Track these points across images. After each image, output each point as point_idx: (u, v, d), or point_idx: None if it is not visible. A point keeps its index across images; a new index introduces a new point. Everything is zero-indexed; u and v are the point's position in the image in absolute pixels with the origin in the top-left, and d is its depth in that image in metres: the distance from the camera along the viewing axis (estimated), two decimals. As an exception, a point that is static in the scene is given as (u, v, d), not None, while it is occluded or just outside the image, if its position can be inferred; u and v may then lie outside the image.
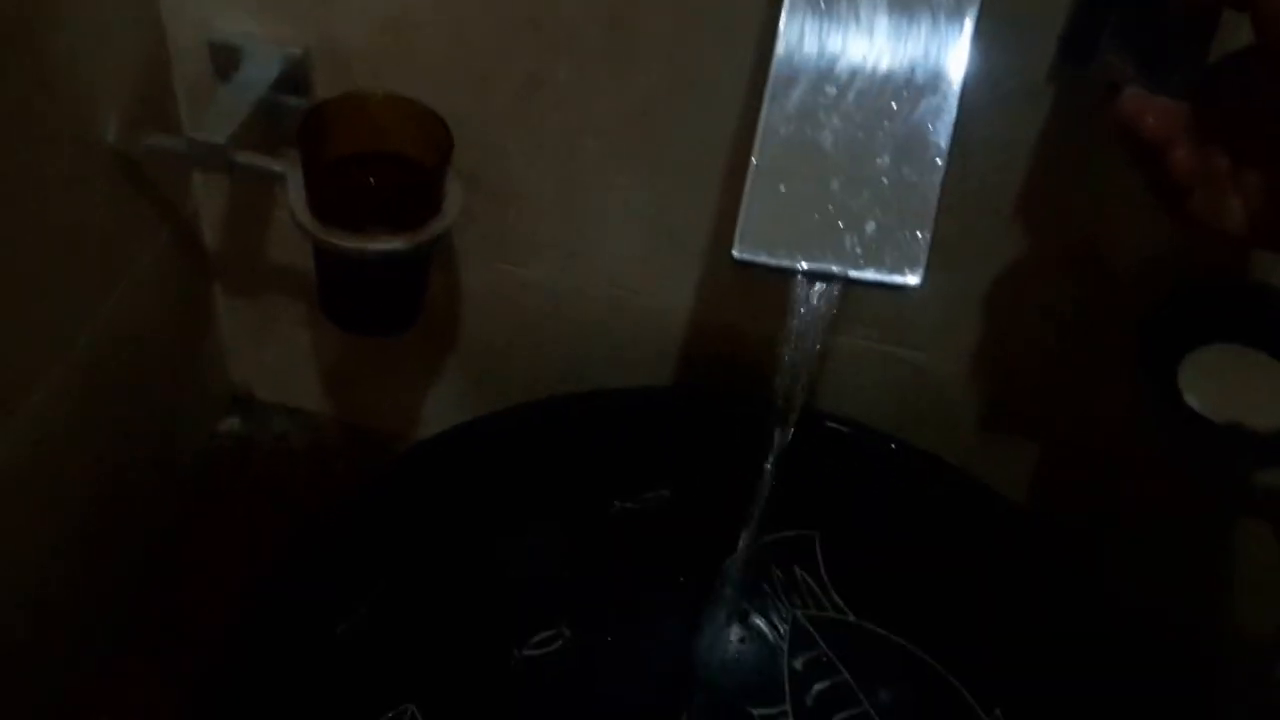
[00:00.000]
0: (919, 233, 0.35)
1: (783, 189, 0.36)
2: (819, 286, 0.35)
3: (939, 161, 0.35)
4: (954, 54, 0.35)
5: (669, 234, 0.54)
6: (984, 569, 0.53)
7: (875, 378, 0.57)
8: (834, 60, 0.36)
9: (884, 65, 0.35)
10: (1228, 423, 0.43)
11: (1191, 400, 0.43)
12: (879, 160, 0.35)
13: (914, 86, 0.35)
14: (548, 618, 0.55)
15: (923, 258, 0.34)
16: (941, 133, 0.35)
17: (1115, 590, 0.52)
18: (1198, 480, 0.54)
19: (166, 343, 0.60)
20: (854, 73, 0.35)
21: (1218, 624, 0.59)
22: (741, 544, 0.54)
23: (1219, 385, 0.44)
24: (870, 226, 0.35)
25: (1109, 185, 0.46)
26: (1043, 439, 0.56)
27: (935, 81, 0.35)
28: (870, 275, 0.35)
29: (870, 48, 0.35)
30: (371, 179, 0.48)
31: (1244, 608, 0.59)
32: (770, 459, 0.44)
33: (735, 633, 0.56)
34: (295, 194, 0.48)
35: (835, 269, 0.35)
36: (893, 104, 0.35)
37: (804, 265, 0.35)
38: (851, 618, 0.55)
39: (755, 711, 0.54)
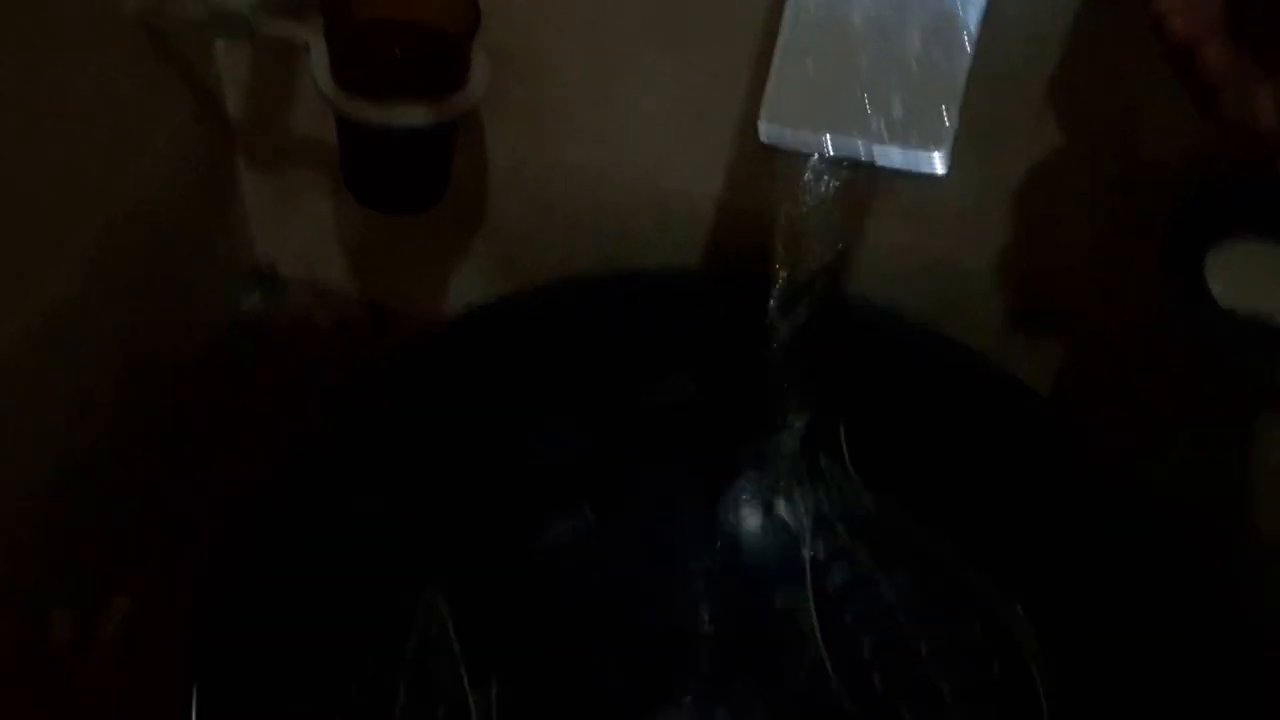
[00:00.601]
0: (946, 117, 0.35)
1: (810, 68, 0.36)
2: (827, 175, 0.36)
3: (968, 45, 0.35)
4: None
5: (699, 116, 0.54)
6: (1009, 460, 0.55)
7: (904, 268, 0.57)
8: (867, -66, 0.36)
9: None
10: (1250, 315, 0.43)
11: (1216, 292, 0.44)
12: (908, 42, 0.36)
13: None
14: (572, 503, 0.57)
15: (949, 142, 0.35)
16: (972, 16, 0.35)
17: (1139, 485, 0.53)
18: (1221, 373, 0.55)
19: (189, 214, 0.62)
20: (888, -52, 0.36)
21: (1241, 521, 0.61)
22: (760, 431, 0.56)
23: (1244, 278, 0.45)
24: (897, 109, 0.36)
25: (1140, 78, 0.46)
26: (1070, 332, 0.57)
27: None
28: (895, 159, 0.36)
29: (906, -78, 0.36)
30: (397, 48, 0.49)
31: (1267, 505, 0.60)
32: (775, 344, 0.45)
33: (758, 520, 0.58)
34: (319, 62, 0.49)
35: (860, 152, 0.36)
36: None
37: (829, 147, 0.36)
38: (874, 507, 0.57)
39: (776, 598, 0.57)
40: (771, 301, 0.50)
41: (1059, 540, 0.53)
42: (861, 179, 0.40)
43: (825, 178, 0.36)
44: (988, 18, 0.34)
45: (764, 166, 0.51)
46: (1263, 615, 0.58)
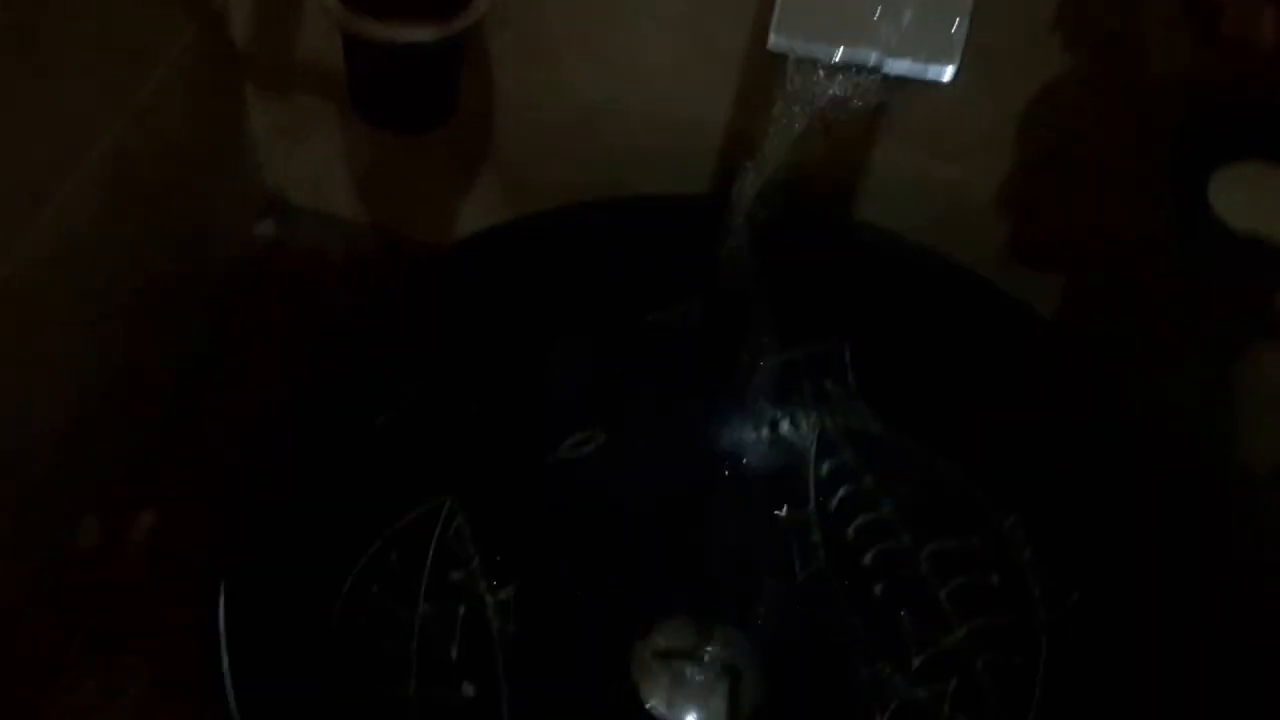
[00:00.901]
0: (956, 25, 0.36)
1: (818, -23, 0.37)
2: (834, 82, 0.36)
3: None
4: None
5: (705, 40, 0.55)
6: (1010, 381, 0.56)
7: (912, 193, 0.58)
8: None
9: None
10: (1252, 235, 0.44)
11: (1219, 213, 0.45)
12: (919, -50, 0.36)
13: None
14: (582, 421, 0.58)
15: (958, 51, 0.36)
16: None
17: (1138, 410, 0.54)
18: (1222, 296, 0.55)
19: (197, 141, 0.63)
20: None
21: (1238, 445, 0.62)
22: (767, 354, 0.58)
23: (1247, 200, 0.45)
24: (906, 17, 0.36)
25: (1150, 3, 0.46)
26: (1076, 257, 0.58)
27: None
28: (904, 67, 0.36)
29: None
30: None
31: (1264, 433, 0.61)
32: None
33: (764, 440, 0.59)
34: (326, -17, 0.49)
35: (870, 60, 0.36)
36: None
37: (839, 56, 0.36)
38: (877, 427, 0.58)
39: (780, 512, 0.58)
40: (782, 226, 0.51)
41: (1056, 457, 0.55)
42: (871, 99, 0.41)
43: (834, 88, 0.37)
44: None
45: (774, 82, 0.51)
46: (1254, 536, 0.60)
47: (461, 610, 0.53)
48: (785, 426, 0.59)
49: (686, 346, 0.59)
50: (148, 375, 0.61)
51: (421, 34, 0.49)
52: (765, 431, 0.59)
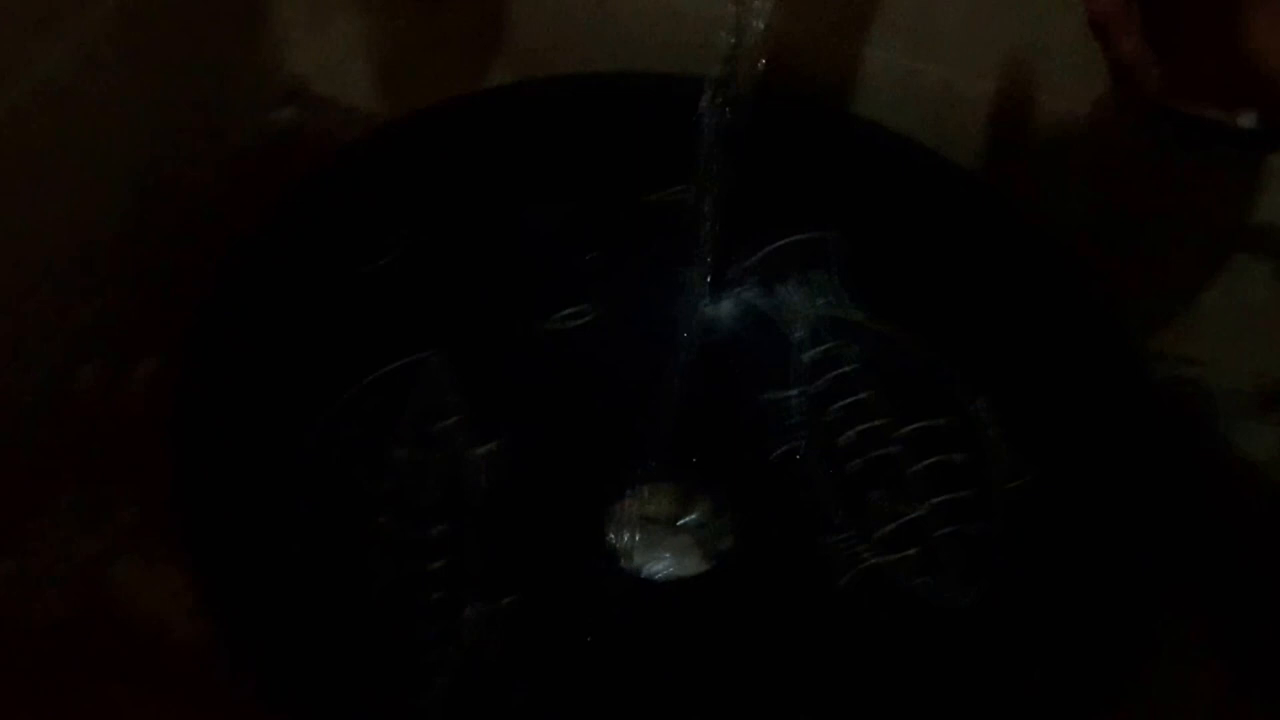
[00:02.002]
0: None
1: None
2: None
3: None
4: None
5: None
6: (988, 275, 0.59)
7: (901, 94, 0.60)
8: None
9: None
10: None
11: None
12: None
13: None
14: (573, 296, 0.61)
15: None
16: None
17: (1111, 310, 0.57)
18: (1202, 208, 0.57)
19: (220, 15, 0.65)
20: None
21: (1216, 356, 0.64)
22: (759, 241, 0.60)
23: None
24: None
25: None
26: (1062, 160, 0.60)
27: None
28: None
29: None
30: None
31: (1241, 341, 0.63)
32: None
33: (752, 325, 0.62)
34: None
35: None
36: None
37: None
38: (861, 315, 0.60)
39: (763, 395, 0.60)
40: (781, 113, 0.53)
41: (1028, 346, 0.58)
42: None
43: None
44: None
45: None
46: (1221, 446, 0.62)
47: (438, 458, 0.55)
48: (772, 313, 0.62)
49: (680, 229, 0.61)
50: (151, 230, 0.64)
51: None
52: (753, 317, 0.62)
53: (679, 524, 0.57)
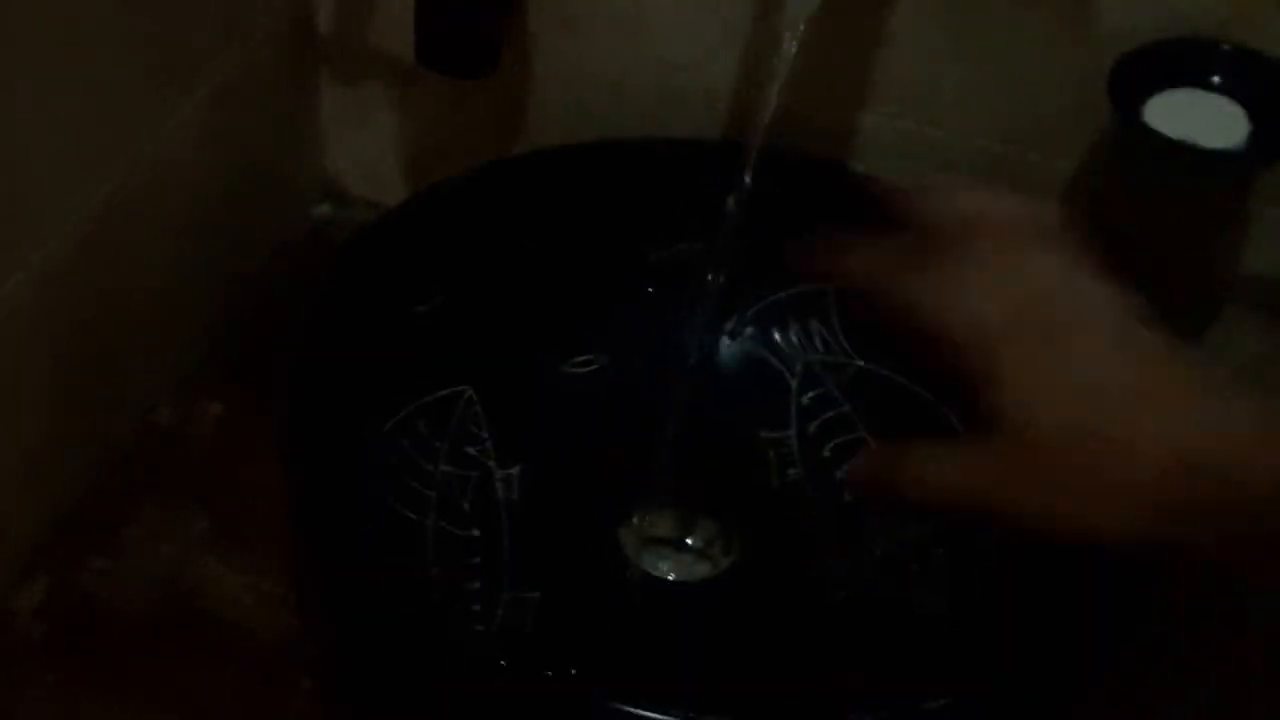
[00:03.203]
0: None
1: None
2: None
3: None
4: None
5: (722, 18, 0.67)
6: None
7: (899, 155, 0.68)
8: None
9: None
10: (1181, 140, 0.54)
11: (1152, 125, 0.55)
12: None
13: None
14: (587, 344, 0.68)
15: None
16: None
17: None
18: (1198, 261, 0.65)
19: (273, 115, 0.75)
20: None
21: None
22: (760, 293, 0.67)
23: (1178, 117, 0.55)
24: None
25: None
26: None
27: None
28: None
29: None
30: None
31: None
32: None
33: (752, 371, 0.68)
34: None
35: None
36: None
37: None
38: (859, 362, 0.67)
39: (762, 433, 0.67)
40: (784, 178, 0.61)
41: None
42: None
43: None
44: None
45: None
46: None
47: (474, 476, 0.61)
48: (772, 359, 0.69)
49: (686, 282, 0.68)
50: (213, 308, 0.73)
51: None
52: (753, 363, 0.68)
53: (683, 544, 0.63)
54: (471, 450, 0.62)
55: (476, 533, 0.59)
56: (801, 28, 0.54)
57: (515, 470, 0.62)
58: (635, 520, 0.63)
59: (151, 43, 0.60)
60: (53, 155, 0.56)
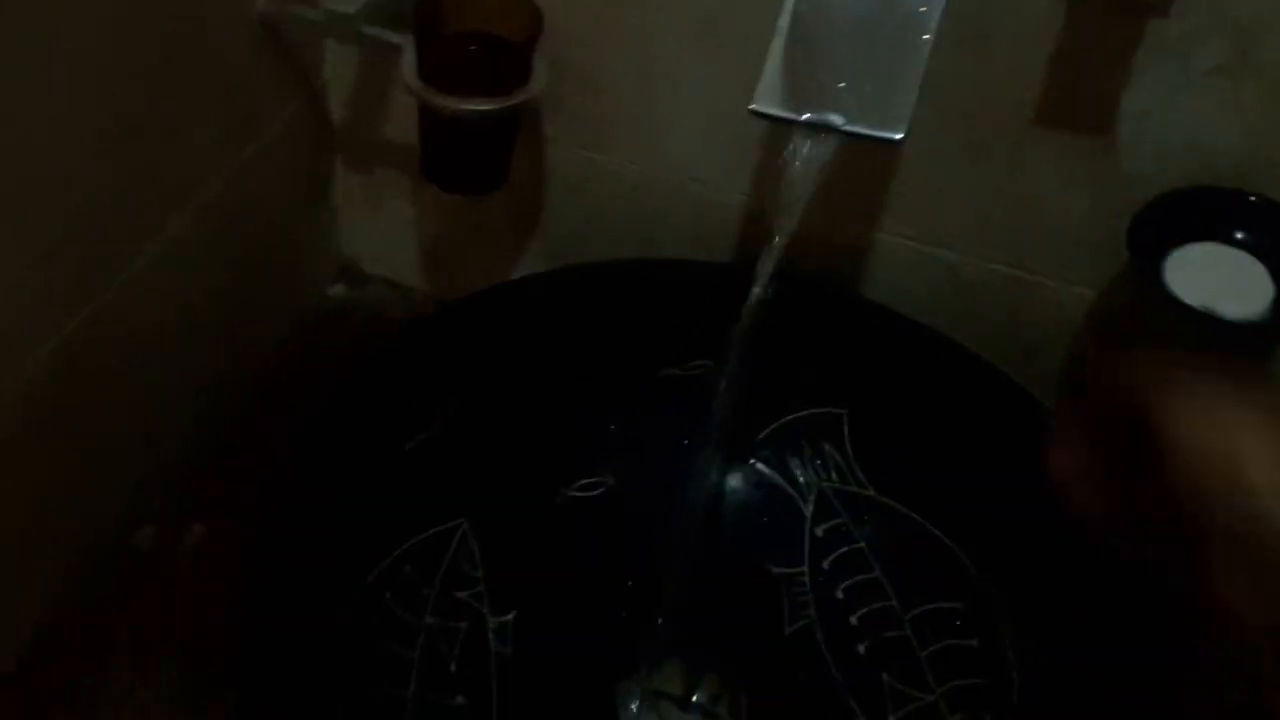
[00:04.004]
0: (906, 96, 0.44)
1: (799, 55, 0.46)
2: (809, 144, 0.44)
3: (927, 38, 0.44)
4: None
5: (730, 128, 0.64)
6: (998, 456, 0.61)
7: (911, 275, 0.66)
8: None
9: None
10: (1203, 309, 0.50)
11: (1173, 289, 0.51)
12: (880, 35, 0.45)
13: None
14: (593, 465, 0.65)
15: (907, 117, 0.44)
16: (933, 14, 0.44)
17: None
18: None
19: (288, 202, 0.74)
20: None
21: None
22: (773, 414, 0.64)
23: (1199, 276, 0.52)
24: (867, 89, 0.45)
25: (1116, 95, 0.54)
26: (1063, 339, 0.64)
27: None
28: (861, 129, 0.44)
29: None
30: (472, 50, 0.60)
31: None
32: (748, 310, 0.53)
33: (765, 496, 0.66)
34: (409, 63, 0.60)
35: (833, 121, 0.45)
36: (897, -12, 0.45)
37: (806, 117, 0.45)
38: (872, 492, 0.64)
39: (774, 569, 0.64)
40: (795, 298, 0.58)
41: (1039, 529, 0.60)
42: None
43: (809, 149, 0.45)
44: (948, 17, 0.44)
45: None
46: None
47: (464, 627, 0.59)
48: (785, 485, 0.66)
49: (697, 401, 0.66)
50: (217, 400, 0.71)
51: (486, 106, 0.59)
52: (766, 488, 0.66)
53: (689, 704, 0.60)
54: (462, 595, 0.60)
55: (462, 700, 0.56)
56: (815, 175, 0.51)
57: (509, 617, 0.60)
58: (638, 674, 0.60)
59: (147, 159, 0.59)
60: (33, 283, 0.54)
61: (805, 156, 0.46)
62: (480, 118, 0.59)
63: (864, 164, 0.62)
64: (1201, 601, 0.36)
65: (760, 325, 0.59)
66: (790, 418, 0.66)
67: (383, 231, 0.80)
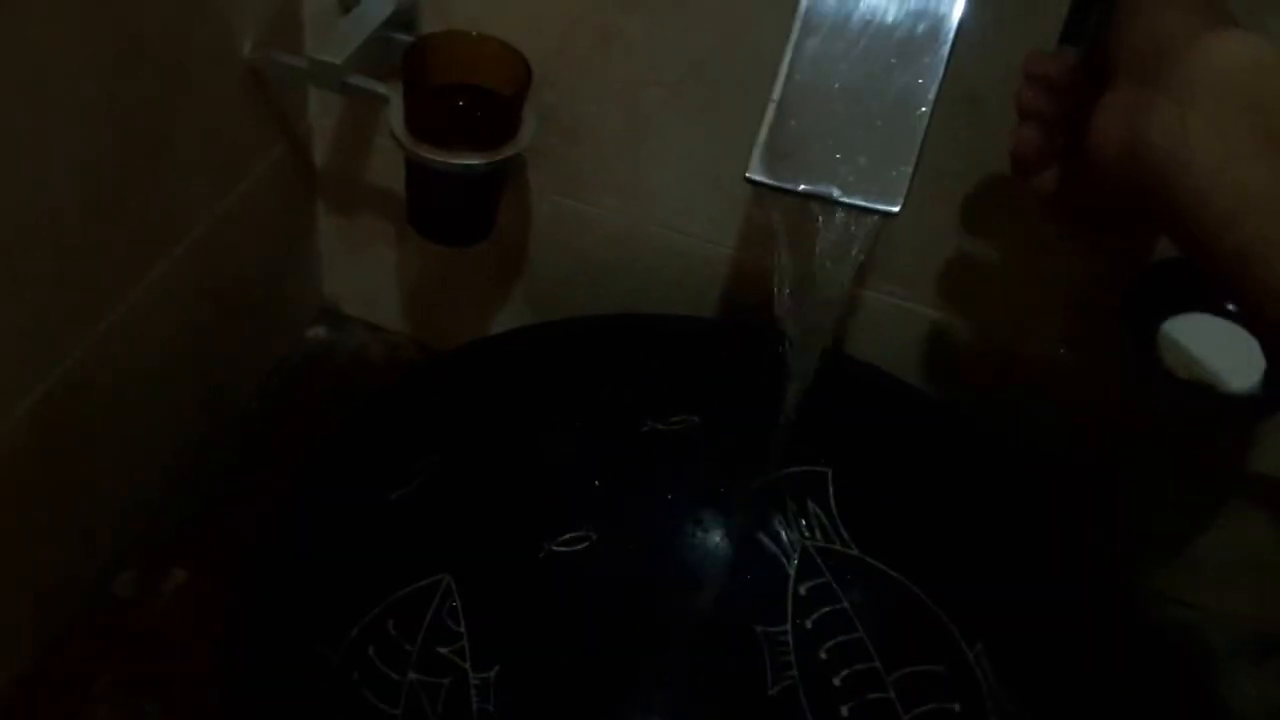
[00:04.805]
0: (903, 168, 0.43)
1: (794, 124, 0.45)
2: (838, 222, 0.44)
3: (924, 110, 0.43)
4: (948, 22, 0.44)
5: (717, 181, 0.63)
6: (983, 515, 0.61)
7: (898, 332, 0.65)
8: (849, 15, 0.45)
9: (890, 20, 0.44)
10: (1195, 380, 0.50)
11: (1165, 361, 0.51)
12: (877, 105, 0.44)
13: (914, 44, 0.44)
14: (577, 520, 0.64)
15: (904, 190, 0.43)
16: (930, 87, 0.43)
17: (1107, 553, 0.59)
18: (1187, 451, 0.61)
19: (272, 245, 0.72)
20: (866, 25, 0.44)
21: (1216, 600, 0.66)
22: (757, 473, 0.63)
23: (1192, 349, 0.51)
24: (863, 160, 0.44)
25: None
26: (1050, 401, 0.64)
27: (931, 43, 0.44)
28: (858, 201, 0.43)
29: (883, 6, 0.44)
30: (460, 103, 0.59)
31: (1236, 588, 0.65)
32: (790, 400, 0.53)
33: (748, 554, 0.64)
34: (395, 114, 0.59)
35: (830, 193, 0.44)
36: (893, 59, 0.44)
37: (803, 187, 0.44)
38: (855, 551, 0.63)
39: (758, 628, 0.63)
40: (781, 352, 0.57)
41: (1024, 591, 0.59)
42: (850, 238, 0.48)
43: (833, 226, 0.44)
44: (948, 88, 0.43)
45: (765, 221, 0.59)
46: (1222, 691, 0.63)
47: (446, 683, 0.57)
48: (769, 543, 0.65)
49: (680, 458, 0.65)
50: (198, 446, 0.69)
51: (472, 160, 0.58)
52: (750, 546, 0.65)
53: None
54: (445, 651, 0.58)
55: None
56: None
57: (492, 673, 0.58)
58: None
59: (131, 204, 0.57)
60: (16, 329, 0.52)
61: (830, 242, 0.45)
62: (468, 172, 0.58)
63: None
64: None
65: (747, 382, 0.58)
66: (776, 474, 0.65)
67: (365, 275, 0.78)
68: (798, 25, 0.45)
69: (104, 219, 0.55)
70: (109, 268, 0.57)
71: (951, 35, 0.43)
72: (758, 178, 0.45)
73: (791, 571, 0.64)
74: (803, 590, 0.64)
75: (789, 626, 0.63)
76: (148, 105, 0.55)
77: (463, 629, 0.59)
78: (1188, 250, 0.39)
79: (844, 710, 0.60)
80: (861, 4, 0.44)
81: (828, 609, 0.63)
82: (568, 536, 0.64)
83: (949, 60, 0.44)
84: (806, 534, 0.64)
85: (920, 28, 0.44)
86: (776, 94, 0.45)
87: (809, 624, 0.63)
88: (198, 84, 0.59)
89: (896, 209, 0.43)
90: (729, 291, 0.67)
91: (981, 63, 0.49)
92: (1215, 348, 0.51)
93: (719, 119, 0.60)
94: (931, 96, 0.44)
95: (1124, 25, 0.42)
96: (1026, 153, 0.47)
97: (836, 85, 0.45)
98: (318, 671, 0.53)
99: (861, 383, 0.63)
